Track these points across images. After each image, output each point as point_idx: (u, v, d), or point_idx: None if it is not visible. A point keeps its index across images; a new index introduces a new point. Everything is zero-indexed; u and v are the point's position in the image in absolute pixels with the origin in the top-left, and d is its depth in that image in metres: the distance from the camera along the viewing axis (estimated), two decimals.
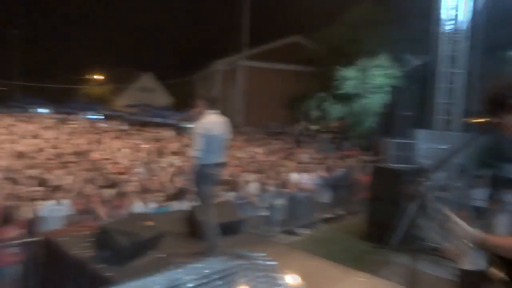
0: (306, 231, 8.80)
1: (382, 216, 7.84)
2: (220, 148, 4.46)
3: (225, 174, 6.99)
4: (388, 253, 7.38)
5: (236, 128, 14.84)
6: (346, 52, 17.18)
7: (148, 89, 44.97)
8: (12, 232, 5.45)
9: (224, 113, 4.66)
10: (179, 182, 7.55)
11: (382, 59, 15.85)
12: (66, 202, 5.98)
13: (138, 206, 6.25)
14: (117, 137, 13.09)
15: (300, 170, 9.94)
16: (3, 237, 5.34)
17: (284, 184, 8.95)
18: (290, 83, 21.01)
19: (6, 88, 47.12)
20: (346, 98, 17.35)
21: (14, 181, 6.33)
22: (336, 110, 18.08)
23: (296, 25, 25.08)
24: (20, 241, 5.45)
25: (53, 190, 6.08)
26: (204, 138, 4.24)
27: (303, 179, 9.52)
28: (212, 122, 4.39)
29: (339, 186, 10.26)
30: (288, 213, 8.67)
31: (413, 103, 8.77)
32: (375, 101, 16.22)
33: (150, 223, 4.47)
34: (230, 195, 7.54)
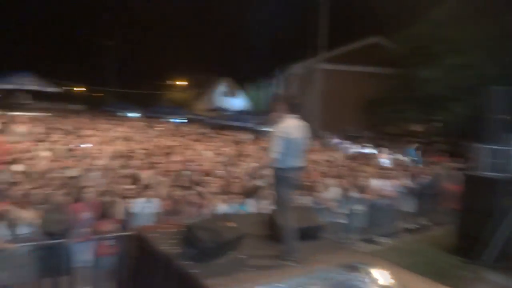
0: (387, 241, 8.44)
1: (473, 229, 7.26)
2: (299, 152, 4.46)
3: (303, 178, 6.97)
4: (480, 269, 6.82)
5: (313, 132, 14.72)
6: (432, 52, 16.20)
7: (228, 94, 46.55)
8: (108, 226, 5.98)
9: (301, 117, 4.65)
10: (256, 182, 7.73)
11: (472, 58, 14.69)
12: (155, 200, 6.41)
13: (220, 206, 6.50)
14: (198, 140, 13.71)
15: (381, 176, 9.56)
16: (101, 230, 5.89)
17: (363, 190, 8.69)
18: (368, 85, 20.34)
19: (102, 94, 51.95)
20: (431, 101, 16.35)
21: (111, 179, 6.93)
22: (419, 113, 17.12)
23: (376, 26, 24.16)
24: (115, 234, 5.98)
25: (144, 189, 6.56)
26: (282, 141, 4.27)
27: (384, 185, 9.15)
28: (291, 126, 4.41)
29: (424, 195, 9.67)
30: (368, 220, 8.39)
31: (510, 106, 7.99)
32: (464, 103, 15.06)
33: (232, 224, 4.61)
34: (308, 200, 7.51)
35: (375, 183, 9.18)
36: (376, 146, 15.67)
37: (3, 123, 12.97)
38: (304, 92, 26.34)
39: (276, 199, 4.59)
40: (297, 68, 27.94)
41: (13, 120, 13.95)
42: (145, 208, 6.28)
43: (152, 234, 5.03)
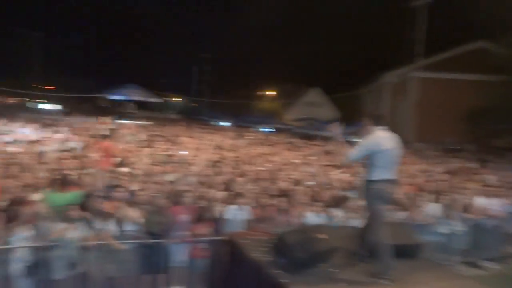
0: (493, 266, 7.61)
1: None
2: (390, 165, 4.28)
3: (398, 192, 6.62)
4: None
5: (408, 143, 13.94)
6: None
7: (316, 104, 46.24)
8: (203, 229, 6.28)
9: (393, 127, 4.47)
10: (345, 193, 7.54)
11: None
12: (246, 207, 6.58)
13: (310, 216, 6.46)
14: (287, 149, 13.82)
15: (486, 194, 8.67)
16: (196, 233, 6.20)
17: (466, 208, 7.94)
18: (470, 94, 18.74)
19: (196, 104, 55.24)
20: None
21: (206, 185, 7.29)
22: None
23: (480, 29, 22.09)
24: (208, 238, 6.26)
25: (236, 196, 6.77)
26: (369, 153, 4.22)
27: (490, 204, 8.27)
28: (380, 137, 4.31)
29: None
30: (471, 242, 7.64)
31: None
32: None
33: (324, 236, 4.53)
34: (403, 216, 7.10)
35: (480, 201, 8.35)
36: (480, 160, 14.29)
37: (111, 129, 14.45)
38: (397, 101, 25.12)
39: (369, 213, 4.43)
40: (391, 77, 26.78)
41: (120, 127, 15.44)
42: (237, 214, 6.47)
43: (243, 241, 5.16)
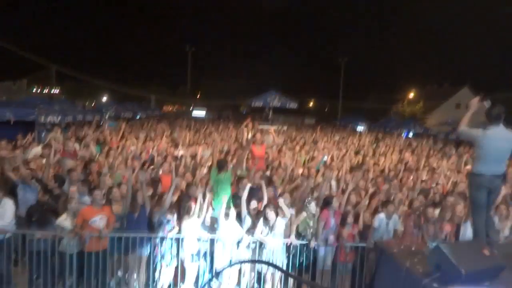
0: None
1: None
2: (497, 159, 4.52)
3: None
4: None
5: None
6: None
7: (465, 105, 41.76)
8: (350, 234, 6.35)
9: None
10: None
11: None
12: (395, 216, 6.41)
13: (467, 231, 5.97)
14: (432, 156, 12.86)
15: None
16: (343, 237, 6.30)
17: None
18: None
19: (329, 108, 55.14)
20: None
21: (351, 191, 7.29)
22: None
23: None
24: (355, 244, 6.30)
25: (383, 204, 6.61)
26: (472, 139, 4.70)
27: None
28: (491, 132, 4.50)
29: None
30: None
31: None
32: None
33: (486, 252, 4.18)
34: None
35: None
36: None
37: (254, 134, 15.45)
38: None
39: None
40: None
41: (261, 132, 16.40)
42: (384, 222, 6.36)
43: (394, 249, 5.06)
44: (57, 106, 16.92)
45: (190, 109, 48.26)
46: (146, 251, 6.16)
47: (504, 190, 6.62)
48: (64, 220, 5.88)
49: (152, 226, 6.16)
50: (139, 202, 6.17)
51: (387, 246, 5.34)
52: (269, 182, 7.46)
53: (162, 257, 6.09)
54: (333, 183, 8.26)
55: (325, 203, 6.48)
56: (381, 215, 6.30)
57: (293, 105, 27.50)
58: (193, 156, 9.91)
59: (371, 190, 7.34)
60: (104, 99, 48.40)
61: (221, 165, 7.54)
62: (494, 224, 5.06)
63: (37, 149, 9.37)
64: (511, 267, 4.36)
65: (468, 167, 10.07)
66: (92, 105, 39.91)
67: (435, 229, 6.12)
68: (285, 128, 23.71)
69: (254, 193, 6.87)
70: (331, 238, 6.17)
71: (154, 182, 7.25)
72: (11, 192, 6.34)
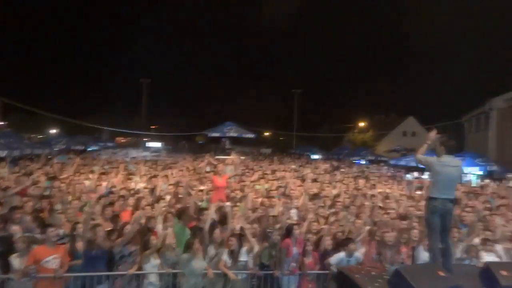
0: None
1: None
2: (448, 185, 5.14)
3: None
4: None
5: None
6: None
7: (410, 133, 44.24)
8: (311, 263, 6.43)
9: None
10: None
11: None
12: (357, 254, 6.46)
13: (421, 253, 6.24)
14: (385, 182, 13.43)
15: None
16: (305, 265, 6.37)
17: None
18: None
19: (284, 138, 56.18)
20: None
21: (311, 219, 7.42)
22: None
23: None
24: (317, 271, 6.38)
25: (343, 243, 6.66)
26: (427, 166, 5.39)
27: None
28: (443, 160, 5.17)
29: None
30: None
31: None
32: None
33: (442, 273, 4.42)
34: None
35: None
36: None
37: (213, 165, 15.42)
38: (507, 128, 23.00)
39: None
40: (497, 102, 24.71)
41: (219, 162, 16.40)
42: (345, 261, 6.45)
43: (354, 274, 5.20)
44: (3, 139, 16.04)
45: (145, 140, 47.33)
46: None
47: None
48: (14, 259, 5.52)
49: (112, 259, 5.93)
50: (97, 238, 5.94)
51: (349, 272, 5.49)
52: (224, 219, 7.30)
53: None
54: (293, 211, 8.40)
55: (287, 232, 6.55)
56: (341, 254, 6.29)
57: (249, 135, 27.79)
58: (152, 189, 9.71)
59: (331, 218, 7.50)
60: (53, 131, 46.38)
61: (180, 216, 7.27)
62: (451, 247, 5.36)
63: None
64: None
65: (418, 192, 10.65)
66: (40, 137, 38.13)
67: (392, 253, 6.34)
68: (243, 158, 23.82)
69: (215, 224, 6.82)
70: (293, 265, 6.21)
71: (114, 217, 7.01)
72: None
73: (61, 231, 6.22)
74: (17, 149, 14.82)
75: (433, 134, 5.36)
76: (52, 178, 10.48)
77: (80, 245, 5.99)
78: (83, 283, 5.70)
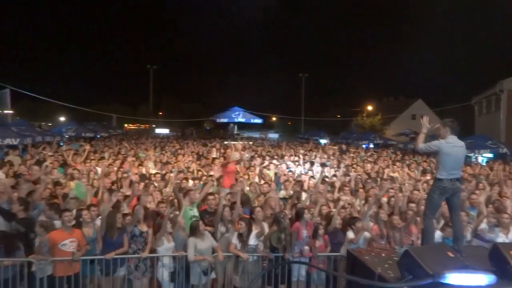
0: None
1: None
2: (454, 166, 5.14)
3: None
4: None
5: None
6: None
7: (419, 116, 43.89)
8: (321, 245, 6.53)
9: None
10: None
11: None
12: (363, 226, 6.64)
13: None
14: (395, 165, 13.41)
15: None
16: (315, 248, 6.47)
17: None
18: None
19: (292, 123, 56.12)
20: None
21: (319, 202, 7.50)
22: None
23: None
24: (327, 254, 6.48)
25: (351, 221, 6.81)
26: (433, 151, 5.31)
27: None
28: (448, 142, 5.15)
29: None
30: None
31: None
32: None
33: (451, 254, 4.47)
34: None
35: None
36: None
37: (221, 150, 15.54)
38: None
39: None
40: (508, 84, 24.34)
41: (227, 148, 16.50)
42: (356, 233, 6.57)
43: (365, 256, 5.27)
44: (14, 127, 16.26)
45: (153, 127, 47.59)
46: (121, 272, 6.07)
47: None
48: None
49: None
50: (117, 226, 6.11)
51: (359, 254, 5.56)
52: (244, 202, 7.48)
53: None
54: (304, 195, 8.48)
55: (297, 216, 6.65)
56: (350, 234, 6.48)
57: (257, 120, 27.89)
58: (163, 175, 9.86)
59: (340, 202, 7.55)
60: (62, 119, 46.76)
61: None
62: (462, 226, 5.43)
63: None
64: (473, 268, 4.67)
65: (428, 177, 10.64)
66: (49, 125, 38.47)
67: (400, 235, 6.41)
68: (251, 143, 23.92)
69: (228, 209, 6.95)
70: (306, 249, 6.31)
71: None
72: None
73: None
74: (29, 137, 15.01)
75: (425, 120, 5.41)
76: (64, 165, 10.69)
77: (87, 230, 6.16)
78: (100, 266, 5.89)
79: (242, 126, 30.24)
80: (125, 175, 9.56)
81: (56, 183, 8.17)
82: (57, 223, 6.16)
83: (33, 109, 49.60)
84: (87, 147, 13.54)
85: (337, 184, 9.26)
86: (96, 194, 7.77)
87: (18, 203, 6.52)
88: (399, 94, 54.35)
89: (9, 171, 9.55)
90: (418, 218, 6.84)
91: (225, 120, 26.11)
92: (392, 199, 7.71)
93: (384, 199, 7.98)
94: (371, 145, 27.53)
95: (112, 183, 8.67)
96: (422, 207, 7.29)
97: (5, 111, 23.24)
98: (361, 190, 8.83)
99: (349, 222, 6.73)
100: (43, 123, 42.16)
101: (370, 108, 48.85)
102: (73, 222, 6.01)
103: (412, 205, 7.40)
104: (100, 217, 6.45)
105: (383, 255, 5.25)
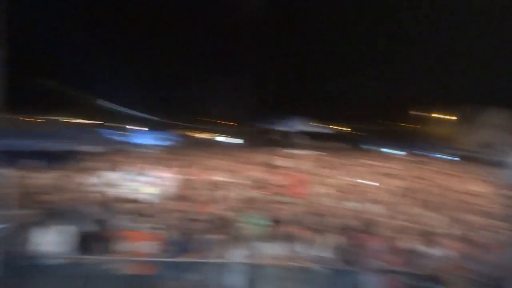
0: None
1: None
2: None
3: None
4: None
5: None
6: None
7: (503, 126, 40.27)
8: (395, 261, 6.15)
9: None
10: None
11: None
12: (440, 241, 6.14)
13: None
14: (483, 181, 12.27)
15: None
16: (389, 263, 6.10)
17: None
18: None
19: (359, 133, 54.01)
20: None
21: (393, 216, 7.12)
22: None
23: None
24: (404, 270, 6.09)
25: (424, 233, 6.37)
26: None
27: None
28: None
29: None
30: None
31: None
32: None
33: None
34: None
35: None
36: None
37: (289, 160, 15.28)
38: None
39: None
40: None
41: (295, 158, 16.17)
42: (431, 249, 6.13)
43: (449, 278, 4.86)
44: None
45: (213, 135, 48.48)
46: (194, 276, 6.19)
47: None
48: None
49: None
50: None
51: (443, 274, 5.13)
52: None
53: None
54: (374, 207, 8.09)
55: (368, 228, 6.36)
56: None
57: (323, 129, 27.18)
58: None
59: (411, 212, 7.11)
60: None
61: None
62: None
63: None
64: None
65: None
66: None
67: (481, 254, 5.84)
68: (318, 153, 23.36)
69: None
70: (375, 263, 5.98)
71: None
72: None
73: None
74: None
75: None
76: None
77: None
78: (175, 269, 6.06)
79: (309, 135, 29.87)
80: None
81: None
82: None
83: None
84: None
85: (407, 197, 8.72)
86: None
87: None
88: (477, 100, 50.13)
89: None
90: None
91: (290, 129, 25.85)
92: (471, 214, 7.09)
93: None
94: (447, 156, 25.68)
95: None
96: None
97: None
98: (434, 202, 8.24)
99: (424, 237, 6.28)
100: None
101: (440, 114, 45.59)
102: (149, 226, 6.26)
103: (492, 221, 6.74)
104: None
105: (470, 276, 4.82)
